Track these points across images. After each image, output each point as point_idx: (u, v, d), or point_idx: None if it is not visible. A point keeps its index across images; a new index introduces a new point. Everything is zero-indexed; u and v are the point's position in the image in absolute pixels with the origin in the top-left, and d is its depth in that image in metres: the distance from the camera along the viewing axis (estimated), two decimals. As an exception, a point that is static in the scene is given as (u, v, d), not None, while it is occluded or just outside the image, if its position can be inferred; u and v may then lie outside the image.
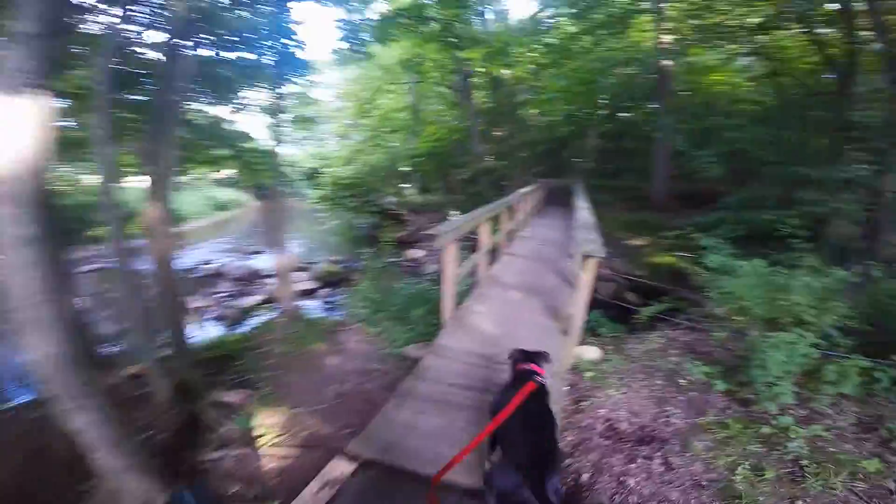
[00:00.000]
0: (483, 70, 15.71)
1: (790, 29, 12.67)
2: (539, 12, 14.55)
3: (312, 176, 18.88)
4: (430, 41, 12.06)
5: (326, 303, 10.48)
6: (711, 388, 3.70)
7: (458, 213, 14.49)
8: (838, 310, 3.58)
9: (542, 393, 2.09)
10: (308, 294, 10.92)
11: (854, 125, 10.38)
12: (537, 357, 2.39)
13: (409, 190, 21.08)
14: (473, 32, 12.07)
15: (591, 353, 4.38)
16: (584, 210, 6.74)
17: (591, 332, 5.26)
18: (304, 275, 12.25)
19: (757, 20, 12.24)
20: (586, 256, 3.66)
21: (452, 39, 11.49)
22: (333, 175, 17.50)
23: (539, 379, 2.16)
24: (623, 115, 24.37)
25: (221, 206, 24.46)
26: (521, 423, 1.89)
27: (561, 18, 13.21)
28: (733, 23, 14.03)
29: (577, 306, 3.96)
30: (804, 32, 11.83)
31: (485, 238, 5.99)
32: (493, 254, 6.88)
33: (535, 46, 14.60)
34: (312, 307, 9.95)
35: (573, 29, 13.80)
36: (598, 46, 13.91)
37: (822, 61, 11.83)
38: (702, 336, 4.79)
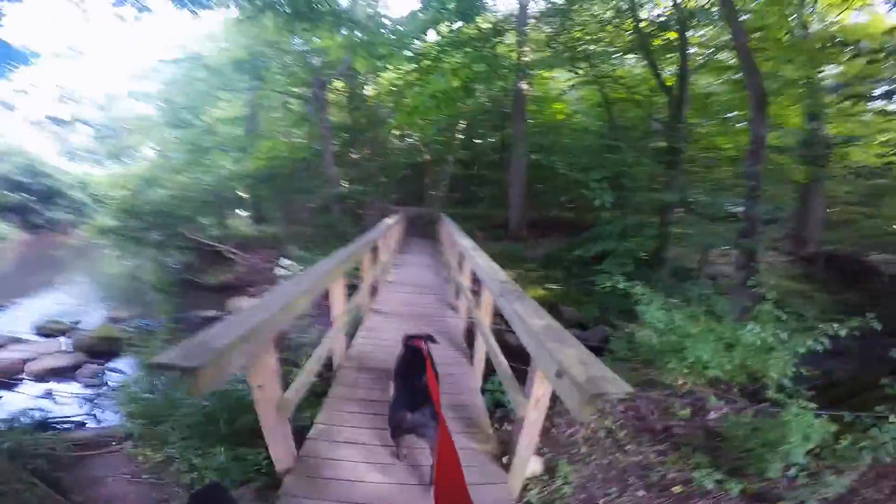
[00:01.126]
0: (341, 80, 13.66)
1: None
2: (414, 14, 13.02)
3: (99, 202, 13.68)
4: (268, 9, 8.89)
5: (89, 389, 6.94)
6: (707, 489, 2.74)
7: (299, 251, 12.01)
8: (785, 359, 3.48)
9: (421, 354, 2.78)
10: (57, 374, 7.22)
11: (678, 152, 11.22)
12: (422, 336, 3.08)
13: (240, 220, 17.38)
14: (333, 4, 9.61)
15: (532, 466, 2.93)
16: (481, 261, 4.30)
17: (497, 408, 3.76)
18: (61, 342, 8.31)
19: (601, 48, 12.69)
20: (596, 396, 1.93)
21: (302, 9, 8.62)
22: (124, 201, 12.98)
23: (421, 346, 2.91)
24: (478, 141, 25.01)
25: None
26: (405, 373, 2.66)
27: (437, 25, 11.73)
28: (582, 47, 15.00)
29: (524, 446, 2.39)
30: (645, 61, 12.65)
31: (339, 301, 3.87)
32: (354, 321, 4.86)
33: (405, 53, 13.15)
34: (53, 403, 6.40)
35: (442, 40, 12.58)
36: (464, 65, 13.13)
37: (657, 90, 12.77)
38: (644, 404, 3.59)
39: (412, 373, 2.56)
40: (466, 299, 5.02)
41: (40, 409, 5.60)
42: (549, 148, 17.91)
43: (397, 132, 18.25)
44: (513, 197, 14.17)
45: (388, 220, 8.62)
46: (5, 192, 30.47)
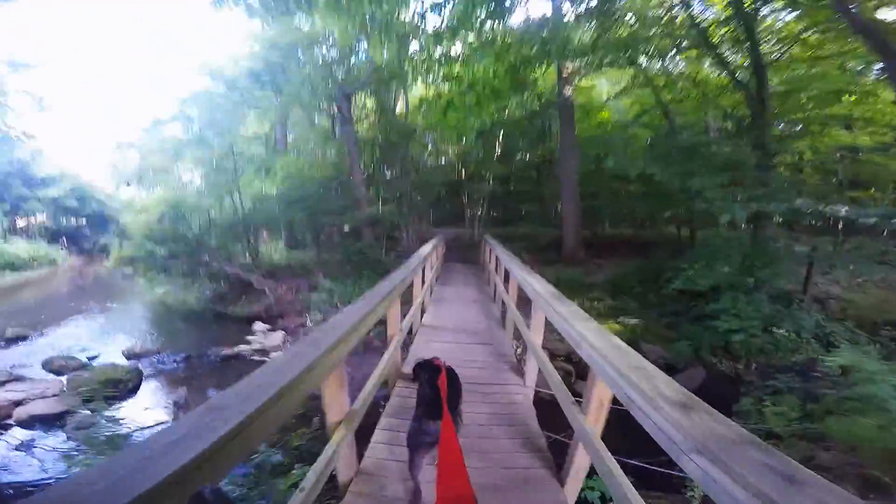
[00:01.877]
0: (368, 94, 12.70)
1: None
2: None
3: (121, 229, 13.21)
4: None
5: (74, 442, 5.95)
6: None
7: (328, 281, 10.89)
8: None
9: (437, 372, 2.62)
10: (45, 422, 6.40)
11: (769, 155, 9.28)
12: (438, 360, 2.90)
13: (273, 246, 16.58)
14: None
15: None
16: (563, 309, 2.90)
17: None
18: (63, 382, 7.95)
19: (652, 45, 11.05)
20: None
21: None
22: (148, 227, 12.38)
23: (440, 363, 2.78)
24: (518, 156, 23.60)
25: (11, 264, 17.22)
26: (424, 388, 2.57)
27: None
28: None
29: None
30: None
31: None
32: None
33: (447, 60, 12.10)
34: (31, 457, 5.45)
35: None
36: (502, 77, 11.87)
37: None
38: None
39: (433, 388, 2.49)
40: (535, 357, 3.55)
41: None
42: (602, 157, 16.39)
43: (430, 148, 17.09)
44: (566, 214, 12.57)
45: (426, 248, 7.25)
46: (57, 217, 31.94)
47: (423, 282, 6.60)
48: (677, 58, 15.05)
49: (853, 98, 11.55)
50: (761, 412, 4.79)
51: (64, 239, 32.40)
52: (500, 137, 17.85)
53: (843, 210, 6.73)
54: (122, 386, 7.93)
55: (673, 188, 11.76)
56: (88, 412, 6.81)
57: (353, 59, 12.99)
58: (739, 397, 5.81)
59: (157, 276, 12.75)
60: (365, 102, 15.73)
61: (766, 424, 4.38)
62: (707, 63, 14.82)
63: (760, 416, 4.68)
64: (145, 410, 7.17)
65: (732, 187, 7.57)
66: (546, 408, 3.68)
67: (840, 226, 13.26)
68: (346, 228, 13.76)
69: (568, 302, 3.10)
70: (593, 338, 2.14)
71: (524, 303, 7.11)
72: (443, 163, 18.47)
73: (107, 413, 6.80)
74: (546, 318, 3.42)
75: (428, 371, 2.73)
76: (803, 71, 11.99)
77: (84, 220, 33.67)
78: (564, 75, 13.07)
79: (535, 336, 3.68)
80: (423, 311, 6.54)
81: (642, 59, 13.24)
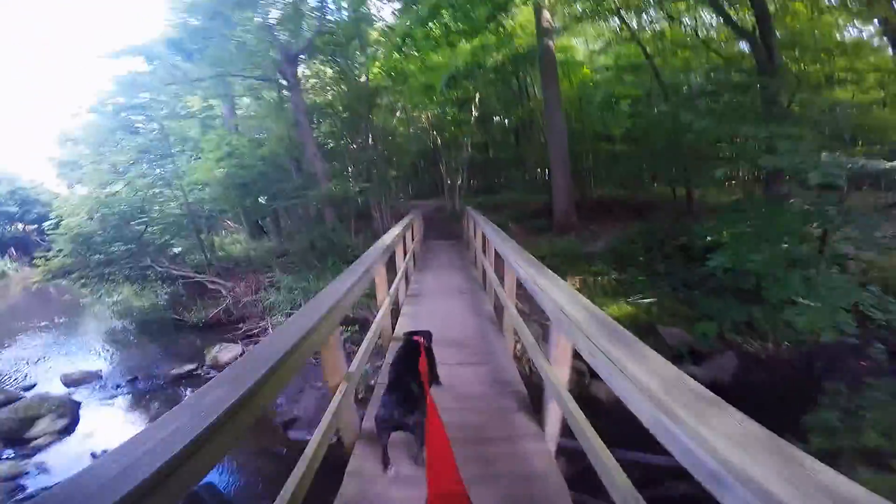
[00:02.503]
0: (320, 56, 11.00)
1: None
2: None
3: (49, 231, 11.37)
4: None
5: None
6: None
7: (284, 275, 9.53)
8: None
9: (415, 349, 2.73)
10: None
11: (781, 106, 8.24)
12: (422, 333, 3.15)
13: (235, 238, 14.94)
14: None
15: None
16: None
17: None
18: None
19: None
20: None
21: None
22: (74, 229, 10.67)
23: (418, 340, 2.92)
24: (496, 118, 22.05)
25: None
26: (398, 370, 2.52)
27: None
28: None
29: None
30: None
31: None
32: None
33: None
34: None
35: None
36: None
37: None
38: None
39: (406, 370, 2.48)
40: (557, 399, 2.37)
41: None
42: (585, 116, 15.09)
43: (399, 115, 15.39)
44: (555, 177, 11.31)
45: (391, 233, 5.87)
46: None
47: (399, 272, 5.36)
48: (665, 7, 13.84)
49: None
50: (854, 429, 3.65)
51: (12, 249, 29.99)
52: (476, 100, 16.25)
53: (885, 164, 5.58)
54: (47, 424, 6.62)
55: (674, 144, 10.70)
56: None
57: (303, 23, 11.15)
58: (791, 393, 4.81)
59: (98, 286, 11.18)
60: (325, 71, 13.86)
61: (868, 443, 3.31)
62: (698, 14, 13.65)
63: (853, 434, 3.56)
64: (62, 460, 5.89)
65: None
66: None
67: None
68: (312, 212, 12.26)
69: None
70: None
71: (523, 299, 5.99)
72: (415, 131, 16.78)
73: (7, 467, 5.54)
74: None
75: (405, 348, 2.77)
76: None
77: (34, 226, 31.13)
78: (545, 24, 11.53)
79: (558, 370, 2.44)
80: (398, 308, 5.33)
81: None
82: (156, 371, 8.29)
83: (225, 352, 8.52)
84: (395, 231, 5.97)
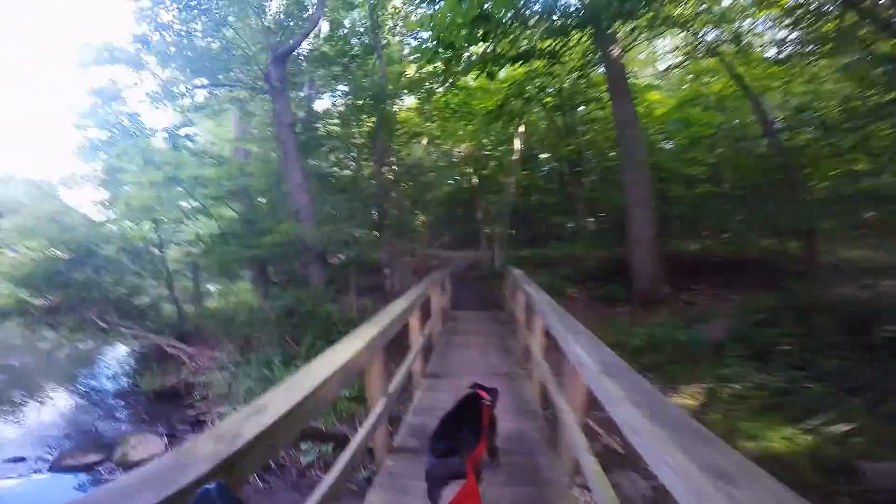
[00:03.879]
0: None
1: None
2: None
3: None
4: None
5: None
6: None
7: (234, 357, 6.80)
8: None
9: (475, 403, 2.52)
10: None
11: None
12: (487, 388, 2.73)
13: (239, 286, 12.51)
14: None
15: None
16: None
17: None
18: None
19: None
20: None
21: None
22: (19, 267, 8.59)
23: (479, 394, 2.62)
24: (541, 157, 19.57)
25: None
26: (447, 420, 2.26)
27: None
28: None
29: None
30: None
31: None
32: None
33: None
34: None
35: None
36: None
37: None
38: None
39: (459, 420, 2.29)
40: None
41: None
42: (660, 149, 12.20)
43: (429, 147, 12.94)
44: (635, 227, 8.23)
45: (402, 303, 3.30)
46: None
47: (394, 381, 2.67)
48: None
49: None
50: None
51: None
52: (520, 133, 13.75)
53: None
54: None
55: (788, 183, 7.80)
56: None
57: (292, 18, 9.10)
58: None
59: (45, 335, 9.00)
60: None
61: None
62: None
63: None
64: None
65: None
66: None
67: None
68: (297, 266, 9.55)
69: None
70: None
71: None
72: (446, 167, 14.31)
73: None
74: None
75: (460, 406, 2.45)
76: None
77: None
78: (612, 30, 8.97)
79: None
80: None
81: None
82: (51, 454, 6.08)
83: (140, 448, 5.87)
84: (406, 302, 3.50)
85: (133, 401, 7.85)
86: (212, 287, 12.53)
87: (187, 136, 8.42)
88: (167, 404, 7.41)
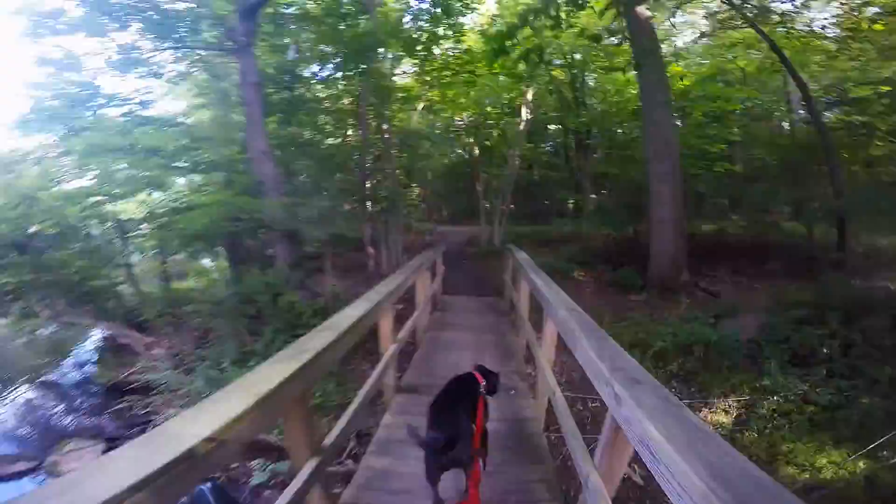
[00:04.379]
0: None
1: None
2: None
3: None
4: None
5: None
6: None
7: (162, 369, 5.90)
8: None
9: (471, 387, 2.45)
10: None
11: None
12: (486, 371, 2.65)
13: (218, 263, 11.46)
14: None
15: None
16: None
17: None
18: None
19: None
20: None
21: None
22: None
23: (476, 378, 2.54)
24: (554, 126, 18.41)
25: None
26: (445, 396, 2.29)
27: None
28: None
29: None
30: None
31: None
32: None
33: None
34: None
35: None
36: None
37: None
38: None
39: (459, 404, 2.23)
40: None
41: None
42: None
43: (429, 105, 11.63)
44: (658, 206, 7.19)
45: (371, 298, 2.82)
46: None
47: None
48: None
49: None
50: None
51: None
52: (528, 101, 12.52)
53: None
54: None
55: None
56: None
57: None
58: None
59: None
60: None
61: None
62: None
63: None
64: None
65: None
66: None
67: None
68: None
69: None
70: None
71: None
72: (445, 134, 13.08)
73: None
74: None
75: (459, 381, 2.49)
76: None
77: None
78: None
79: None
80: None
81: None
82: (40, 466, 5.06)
83: (73, 456, 5.06)
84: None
85: (86, 396, 7.02)
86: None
87: (141, 103, 7.35)
88: (121, 400, 6.58)
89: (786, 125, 15.03)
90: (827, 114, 11.45)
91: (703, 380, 4.62)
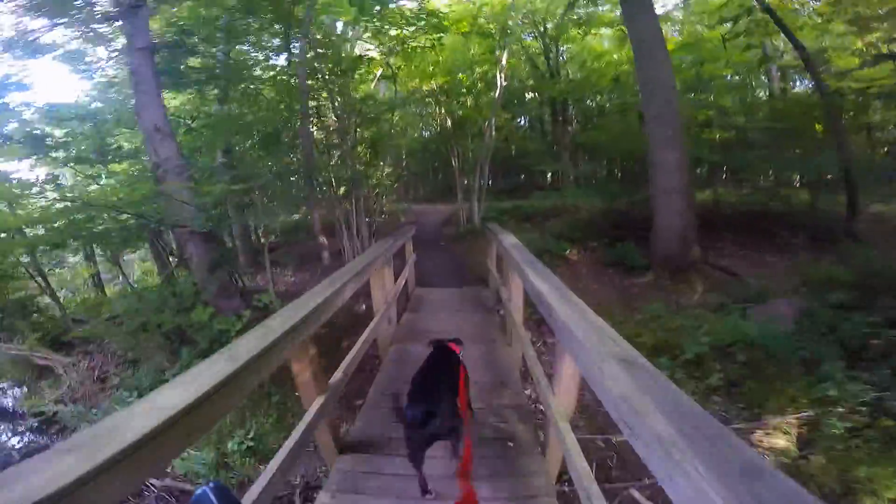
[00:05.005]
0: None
1: None
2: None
3: None
4: None
5: None
6: None
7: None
8: None
9: (449, 357, 2.48)
10: None
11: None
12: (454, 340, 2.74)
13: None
14: None
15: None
16: None
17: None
18: None
19: None
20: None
21: None
22: None
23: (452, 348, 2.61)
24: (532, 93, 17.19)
25: None
26: (426, 376, 2.22)
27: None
28: None
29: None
30: None
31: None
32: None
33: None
34: None
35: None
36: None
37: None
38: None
39: (440, 375, 2.22)
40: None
41: None
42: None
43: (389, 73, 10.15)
44: (662, 175, 6.07)
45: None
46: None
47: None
48: None
49: None
50: None
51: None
52: (503, 66, 11.16)
53: None
54: None
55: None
56: None
57: None
58: None
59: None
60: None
61: None
62: None
63: None
64: None
65: None
66: None
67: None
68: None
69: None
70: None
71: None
72: (413, 105, 11.60)
73: None
74: None
75: (436, 355, 2.48)
76: None
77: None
78: None
79: None
80: None
81: None
82: None
83: None
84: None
85: (10, 428, 5.66)
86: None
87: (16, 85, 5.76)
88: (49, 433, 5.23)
89: (761, 95, 14.34)
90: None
91: (751, 392, 3.57)
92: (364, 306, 5.35)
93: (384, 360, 3.82)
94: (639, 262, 6.53)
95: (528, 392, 3.44)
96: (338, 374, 2.58)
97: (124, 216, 4.39)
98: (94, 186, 6.10)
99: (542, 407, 2.76)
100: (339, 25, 10.85)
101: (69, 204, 4.69)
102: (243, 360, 1.43)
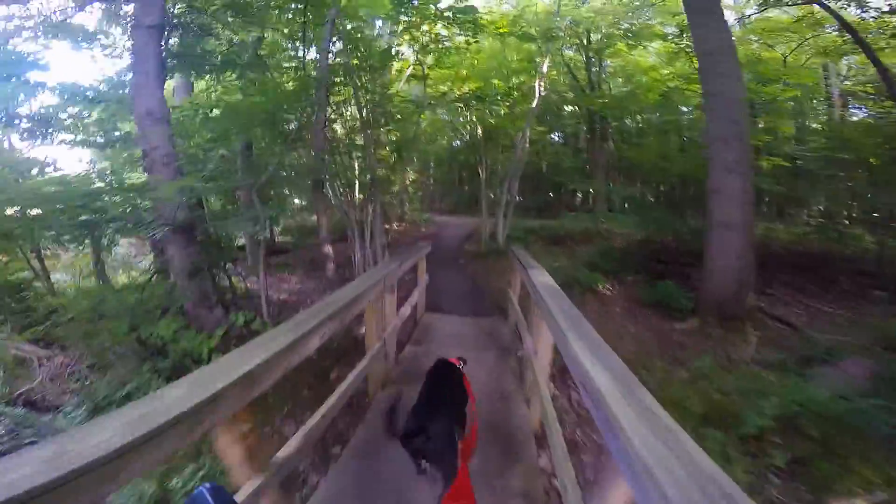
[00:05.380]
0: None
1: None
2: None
3: None
4: None
5: None
6: None
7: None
8: None
9: (449, 372, 2.41)
10: None
11: None
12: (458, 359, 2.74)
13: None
14: None
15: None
16: None
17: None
18: None
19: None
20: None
21: None
22: None
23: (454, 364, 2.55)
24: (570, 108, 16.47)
25: None
26: (426, 387, 2.22)
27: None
28: None
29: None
30: None
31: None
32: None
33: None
34: None
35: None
36: None
37: None
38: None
39: (438, 390, 2.20)
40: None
41: None
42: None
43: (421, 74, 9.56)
44: (722, 205, 5.20)
45: None
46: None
47: None
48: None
49: None
50: None
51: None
52: (543, 76, 10.46)
53: None
54: None
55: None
56: None
57: None
58: None
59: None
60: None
61: None
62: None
63: None
64: None
65: None
66: None
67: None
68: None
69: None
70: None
71: None
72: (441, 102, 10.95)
73: None
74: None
75: (438, 372, 2.37)
76: None
77: None
78: None
79: None
80: None
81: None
82: None
83: None
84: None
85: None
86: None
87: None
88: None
89: (814, 125, 13.14)
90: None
91: (819, 471, 2.70)
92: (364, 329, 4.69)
93: (371, 407, 3.11)
94: (683, 304, 5.63)
95: (542, 462, 2.66)
96: (289, 447, 1.88)
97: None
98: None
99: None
100: (378, 24, 10.43)
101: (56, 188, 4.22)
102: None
